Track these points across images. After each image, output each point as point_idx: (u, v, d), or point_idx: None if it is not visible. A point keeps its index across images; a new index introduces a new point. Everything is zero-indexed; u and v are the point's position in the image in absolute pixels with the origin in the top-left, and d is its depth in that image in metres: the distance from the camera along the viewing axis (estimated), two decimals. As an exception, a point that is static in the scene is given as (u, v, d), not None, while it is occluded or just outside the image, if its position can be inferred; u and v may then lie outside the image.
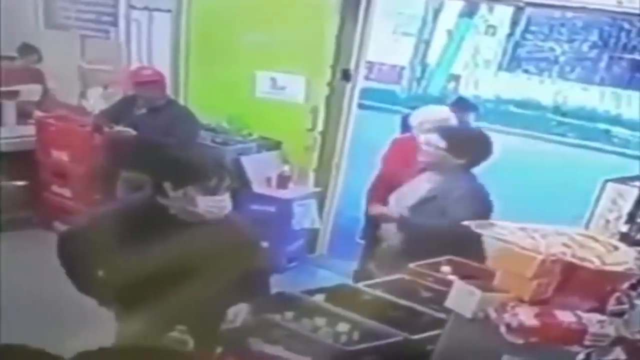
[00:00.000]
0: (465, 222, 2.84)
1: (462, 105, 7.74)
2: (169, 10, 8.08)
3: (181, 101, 7.57)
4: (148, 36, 8.38)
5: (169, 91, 7.23)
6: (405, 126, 6.27)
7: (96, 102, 8.25)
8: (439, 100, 8.09)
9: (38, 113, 8.10)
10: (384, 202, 5.00)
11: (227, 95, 7.65)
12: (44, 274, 4.43)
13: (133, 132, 6.54)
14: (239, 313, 3.58)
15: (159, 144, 6.04)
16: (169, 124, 6.48)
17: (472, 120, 7.71)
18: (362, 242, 6.06)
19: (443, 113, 5.81)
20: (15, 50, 8.62)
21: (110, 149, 6.92)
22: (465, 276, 3.65)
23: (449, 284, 3.06)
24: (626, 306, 2.60)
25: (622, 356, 2.56)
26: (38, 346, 1.81)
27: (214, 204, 3.59)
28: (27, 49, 8.58)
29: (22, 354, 1.78)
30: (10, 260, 5.86)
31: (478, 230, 2.71)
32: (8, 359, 1.77)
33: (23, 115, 8.12)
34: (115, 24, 8.60)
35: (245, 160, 7.05)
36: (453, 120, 5.77)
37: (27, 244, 6.71)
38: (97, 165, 7.23)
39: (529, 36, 18.39)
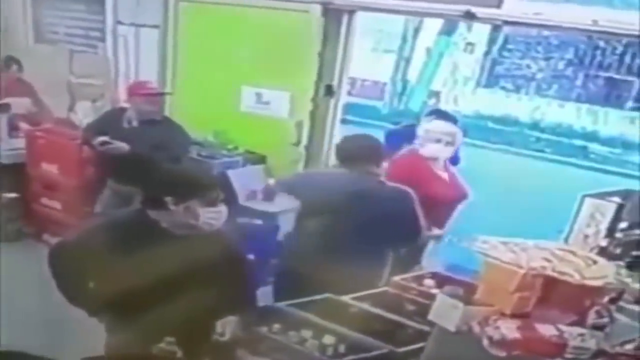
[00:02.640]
0: (449, 237, 2.86)
1: (439, 116, 7.78)
2: (155, 26, 8.09)
3: (168, 115, 7.57)
4: (135, 51, 8.39)
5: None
6: (389, 141, 6.26)
7: (85, 115, 8.24)
8: (419, 116, 8.09)
9: (25, 126, 8.08)
10: None
11: (213, 109, 7.66)
12: (35, 285, 4.42)
13: (126, 146, 6.48)
14: (227, 326, 3.59)
15: (153, 159, 6.01)
16: (163, 138, 6.44)
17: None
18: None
19: (451, 127, 5.84)
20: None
21: (101, 162, 6.88)
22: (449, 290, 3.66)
23: (432, 297, 3.07)
24: (606, 320, 2.62)
25: (603, 369, 2.57)
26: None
27: (214, 215, 3.62)
28: (8, 61, 8.54)
29: None
30: (3, 271, 5.85)
31: (461, 245, 2.72)
32: None
33: (13, 128, 8.09)
34: (103, 39, 8.59)
35: (231, 174, 7.05)
36: (459, 135, 5.82)
37: (19, 256, 6.69)
38: (87, 178, 7.21)
39: (506, 54, 18.45)
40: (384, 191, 4.80)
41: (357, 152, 4.89)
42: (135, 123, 6.68)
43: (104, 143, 6.52)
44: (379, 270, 4.66)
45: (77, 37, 8.85)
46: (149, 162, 5.83)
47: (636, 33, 5.63)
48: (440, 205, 5.63)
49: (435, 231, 5.45)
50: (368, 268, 4.42)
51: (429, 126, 5.88)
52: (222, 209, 3.70)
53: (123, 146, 6.48)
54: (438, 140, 5.75)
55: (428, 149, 5.77)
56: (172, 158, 6.21)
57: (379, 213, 4.63)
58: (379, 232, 4.66)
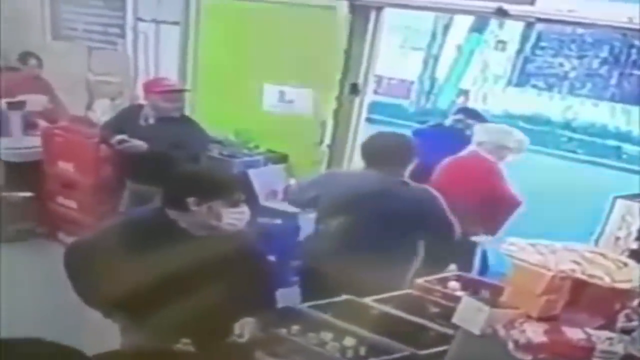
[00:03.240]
0: (475, 238, 2.86)
1: (467, 114, 7.77)
2: (176, 23, 8.11)
3: (187, 113, 7.59)
4: (155, 48, 8.41)
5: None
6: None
7: (103, 113, 8.27)
8: (447, 115, 8.09)
9: (43, 123, 8.13)
10: None
11: (235, 108, 7.66)
12: (47, 284, 4.44)
13: (144, 144, 6.47)
14: (245, 327, 3.59)
15: (172, 157, 6.02)
16: (182, 136, 6.43)
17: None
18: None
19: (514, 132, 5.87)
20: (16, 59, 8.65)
21: (119, 161, 6.90)
22: (474, 292, 3.66)
23: (457, 299, 3.06)
24: (635, 323, 2.61)
25: (630, 374, 2.56)
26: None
27: (237, 216, 3.64)
28: (25, 56, 8.59)
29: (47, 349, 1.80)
30: (14, 270, 5.88)
31: (488, 246, 2.72)
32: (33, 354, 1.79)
33: (28, 126, 8.14)
34: (122, 35, 8.62)
35: (252, 173, 7.06)
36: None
37: (30, 255, 6.74)
38: (104, 177, 7.24)
39: (538, 52, 18.37)
40: (409, 193, 4.79)
41: (385, 152, 4.87)
42: (152, 121, 6.68)
43: (121, 141, 6.54)
44: (402, 272, 4.65)
45: (95, 33, 8.88)
46: (168, 161, 5.84)
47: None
48: (501, 210, 5.62)
49: (485, 237, 5.44)
50: (391, 270, 4.42)
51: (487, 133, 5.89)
52: (245, 209, 3.72)
53: (141, 145, 6.47)
54: (502, 146, 5.77)
55: (493, 153, 5.79)
56: (191, 157, 6.22)
57: (402, 214, 4.63)
58: (403, 234, 4.66)
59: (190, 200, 3.58)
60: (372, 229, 4.59)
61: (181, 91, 7.00)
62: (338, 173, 6.17)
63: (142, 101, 7.18)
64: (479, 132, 6.16)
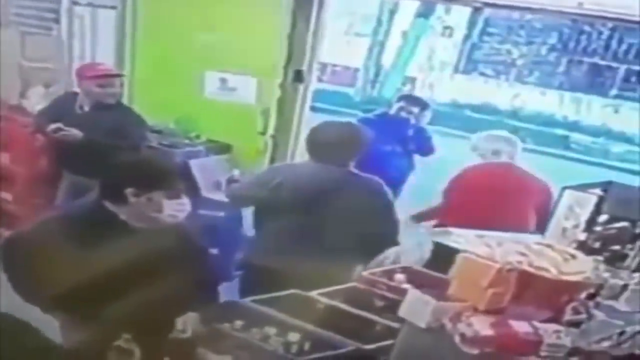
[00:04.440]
0: (424, 230, 2.88)
1: (410, 102, 7.83)
2: (114, 7, 8.03)
3: (126, 101, 7.51)
4: (92, 34, 8.31)
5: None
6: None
7: (37, 101, 8.15)
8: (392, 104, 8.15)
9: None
10: None
11: (175, 95, 7.58)
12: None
13: (79, 133, 6.40)
14: (188, 322, 3.59)
15: (108, 147, 5.97)
16: (118, 124, 6.38)
17: (426, 120, 7.77)
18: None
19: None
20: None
21: (55, 151, 6.82)
22: (420, 285, 3.69)
23: (403, 292, 3.08)
24: (583, 316, 2.64)
25: (578, 367, 2.60)
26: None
27: (178, 208, 3.62)
28: None
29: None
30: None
31: (434, 239, 2.74)
32: None
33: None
34: (57, 20, 8.50)
35: (194, 164, 7.03)
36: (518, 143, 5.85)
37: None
38: (40, 168, 7.15)
39: (486, 38, 18.55)
40: (357, 183, 4.80)
41: (331, 143, 4.85)
42: (87, 108, 6.62)
43: (57, 130, 6.46)
44: (349, 265, 4.67)
45: (29, 18, 8.74)
46: (104, 150, 5.78)
47: (623, 16, 5.68)
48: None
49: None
50: (339, 264, 4.43)
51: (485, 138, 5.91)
52: (186, 201, 3.72)
53: (76, 133, 6.40)
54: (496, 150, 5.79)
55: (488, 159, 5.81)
56: (128, 146, 6.16)
57: (350, 206, 4.65)
58: (351, 225, 4.68)
59: (129, 191, 3.57)
60: (320, 223, 4.60)
61: (115, 76, 6.90)
62: (282, 167, 6.13)
63: (76, 89, 7.09)
64: (474, 139, 6.14)
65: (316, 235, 4.60)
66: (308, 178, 4.80)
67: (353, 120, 6.53)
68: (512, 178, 5.78)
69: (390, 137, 7.23)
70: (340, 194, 4.67)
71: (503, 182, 5.70)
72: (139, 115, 6.77)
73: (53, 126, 6.46)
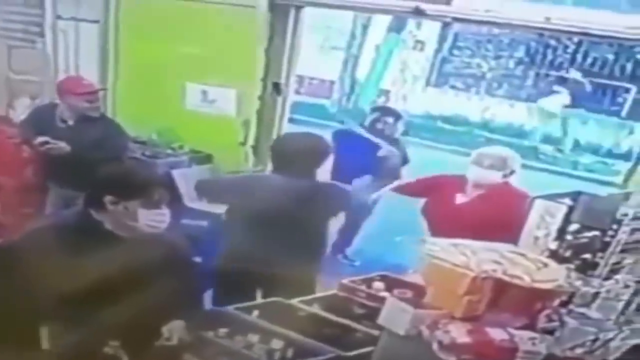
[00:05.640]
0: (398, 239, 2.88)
1: (384, 113, 7.84)
2: (96, 21, 8.01)
3: (109, 113, 7.48)
4: (75, 47, 8.29)
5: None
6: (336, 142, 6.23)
7: (23, 112, 8.11)
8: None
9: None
10: None
11: (157, 107, 7.58)
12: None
13: (67, 146, 6.35)
14: (173, 330, 3.58)
15: (92, 159, 5.94)
16: (100, 137, 6.36)
17: (399, 130, 7.77)
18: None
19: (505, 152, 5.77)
20: None
21: (40, 163, 6.78)
22: (398, 293, 3.70)
23: (381, 300, 3.09)
24: (556, 323, 2.66)
25: (553, 373, 2.61)
26: None
27: (155, 218, 3.60)
28: None
29: None
30: None
31: (411, 247, 2.74)
32: None
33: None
34: (42, 34, 8.48)
35: (176, 174, 7.00)
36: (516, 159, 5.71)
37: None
38: (27, 178, 7.11)
39: (456, 52, 18.60)
40: (315, 190, 4.80)
41: (293, 153, 4.83)
42: (70, 122, 6.58)
43: (44, 143, 6.43)
44: (312, 269, 4.68)
45: (15, 31, 8.71)
46: (89, 163, 5.75)
47: (588, 31, 5.72)
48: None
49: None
50: (300, 270, 4.43)
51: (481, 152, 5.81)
52: (166, 211, 3.68)
53: (64, 146, 6.37)
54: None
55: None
56: (112, 158, 6.12)
57: (310, 213, 4.67)
58: (313, 229, 4.71)
59: (107, 199, 3.56)
60: (281, 231, 4.56)
61: (100, 90, 6.89)
62: (245, 178, 6.06)
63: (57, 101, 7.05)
64: (472, 155, 6.06)
65: (277, 242, 4.56)
66: (269, 190, 4.79)
67: (328, 132, 6.54)
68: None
69: (365, 149, 7.21)
70: (300, 203, 4.63)
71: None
72: (122, 127, 6.75)
73: (40, 139, 6.41)
